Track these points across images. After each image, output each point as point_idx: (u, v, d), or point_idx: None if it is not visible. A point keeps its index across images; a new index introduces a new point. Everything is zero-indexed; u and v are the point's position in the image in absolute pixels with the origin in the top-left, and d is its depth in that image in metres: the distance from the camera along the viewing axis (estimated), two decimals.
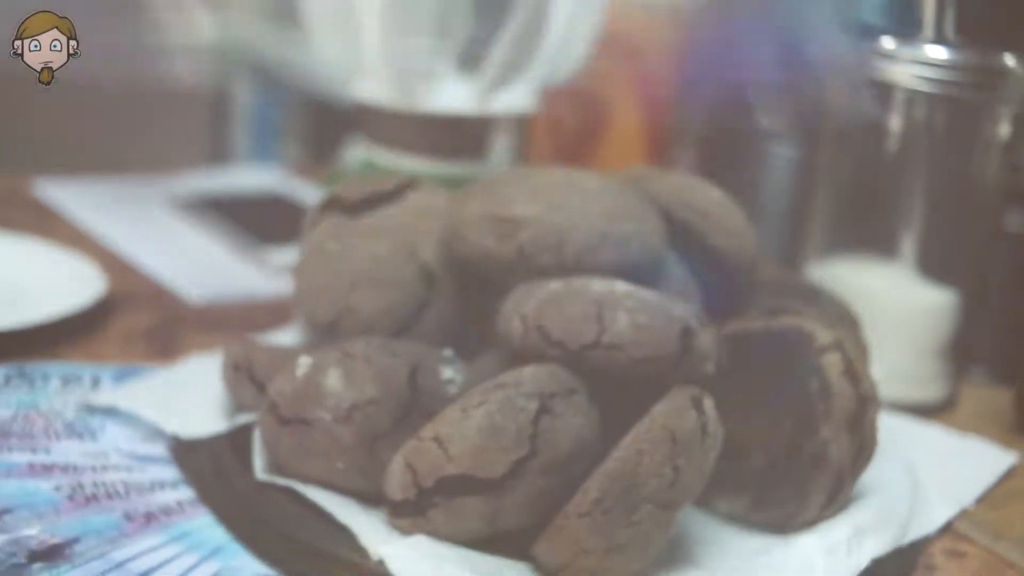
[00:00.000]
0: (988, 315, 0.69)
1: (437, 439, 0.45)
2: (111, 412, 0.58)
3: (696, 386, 0.47)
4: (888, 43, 0.64)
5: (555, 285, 0.48)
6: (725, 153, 0.76)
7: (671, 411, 0.45)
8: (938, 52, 0.63)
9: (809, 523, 0.51)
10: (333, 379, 0.47)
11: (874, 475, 0.53)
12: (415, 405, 0.48)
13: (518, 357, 0.48)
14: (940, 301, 0.67)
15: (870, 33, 0.65)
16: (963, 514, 0.57)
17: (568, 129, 0.80)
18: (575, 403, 0.46)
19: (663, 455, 0.44)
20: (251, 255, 0.80)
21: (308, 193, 0.94)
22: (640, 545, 0.45)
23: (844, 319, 0.59)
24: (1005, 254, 0.69)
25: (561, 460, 0.45)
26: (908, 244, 0.67)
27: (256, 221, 0.85)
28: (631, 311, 0.46)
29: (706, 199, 0.56)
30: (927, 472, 0.58)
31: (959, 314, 0.67)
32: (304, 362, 0.48)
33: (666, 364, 0.46)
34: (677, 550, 0.49)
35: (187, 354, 0.64)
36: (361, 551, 0.46)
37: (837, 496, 0.51)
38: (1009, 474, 0.61)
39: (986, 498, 0.59)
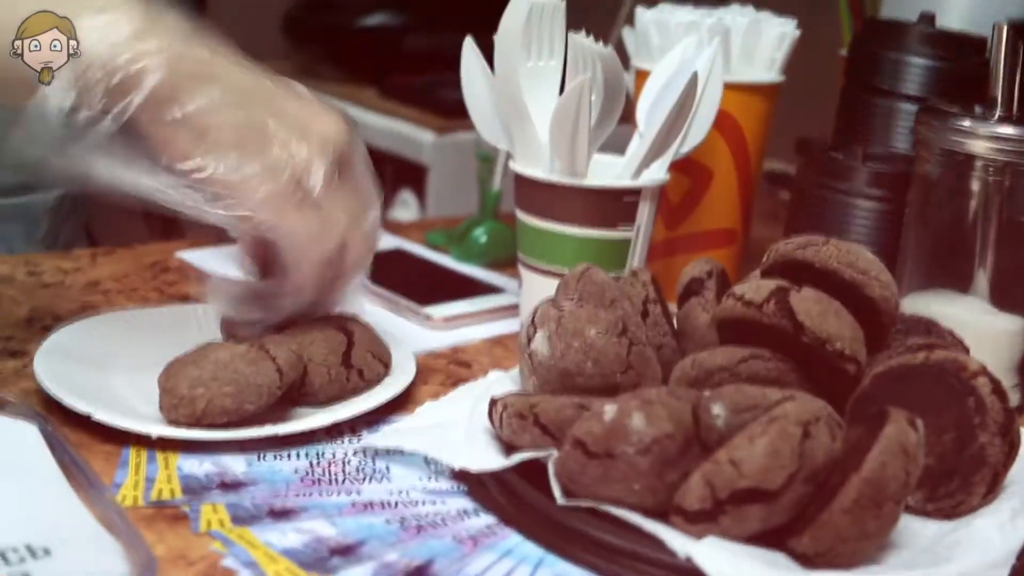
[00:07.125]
0: None
1: (732, 461, 0.58)
2: (392, 455, 0.70)
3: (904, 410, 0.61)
4: (966, 121, 0.80)
5: None
6: (813, 208, 0.90)
7: (900, 430, 0.60)
8: (1007, 129, 0.79)
9: (973, 510, 0.66)
10: (637, 420, 0.60)
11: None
12: (696, 436, 0.61)
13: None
14: (1011, 326, 0.83)
15: (950, 113, 0.81)
16: None
17: (676, 192, 0.94)
18: (823, 427, 0.60)
19: (900, 463, 0.59)
20: (411, 313, 0.92)
21: (419, 249, 1.06)
22: (881, 534, 0.60)
23: (958, 346, 0.75)
24: None
25: (817, 470, 0.59)
26: (983, 281, 0.83)
27: (400, 280, 0.96)
28: None
29: (864, 260, 0.70)
30: None
31: None
32: (609, 409, 0.61)
33: None
34: None
35: (415, 403, 0.76)
36: (668, 551, 0.59)
37: (995, 487, 0.66)
38: None
39: None
